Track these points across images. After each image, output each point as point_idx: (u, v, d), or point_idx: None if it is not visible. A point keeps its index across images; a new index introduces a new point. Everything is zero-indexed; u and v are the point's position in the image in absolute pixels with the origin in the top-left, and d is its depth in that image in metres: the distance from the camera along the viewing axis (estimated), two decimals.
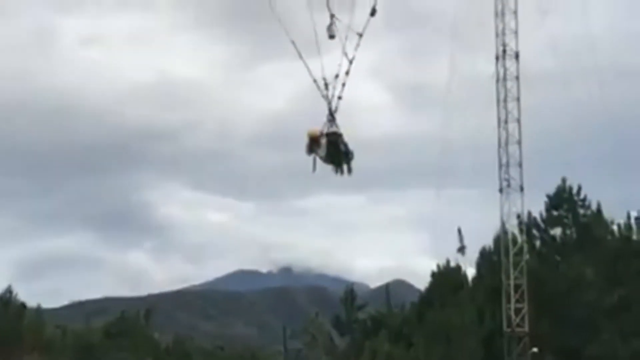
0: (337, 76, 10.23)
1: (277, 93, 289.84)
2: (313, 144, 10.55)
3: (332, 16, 10.43)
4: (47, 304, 63.44)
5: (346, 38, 10.04)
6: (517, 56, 34.71)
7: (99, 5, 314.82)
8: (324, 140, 10.56)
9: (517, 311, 35.14)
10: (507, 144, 34.51)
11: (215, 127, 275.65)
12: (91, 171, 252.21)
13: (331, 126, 10.69)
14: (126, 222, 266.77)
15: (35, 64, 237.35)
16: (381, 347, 38.65)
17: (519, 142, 34.77)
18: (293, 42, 10.08)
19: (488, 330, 36.20)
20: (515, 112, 34.35)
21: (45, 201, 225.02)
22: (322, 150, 10.61)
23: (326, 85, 10.44)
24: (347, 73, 10.27)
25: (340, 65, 10.23)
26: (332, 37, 10.62)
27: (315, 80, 10.42)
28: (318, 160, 10.07)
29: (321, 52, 10.47)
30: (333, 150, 10.63)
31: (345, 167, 10.62)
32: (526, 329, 34.92)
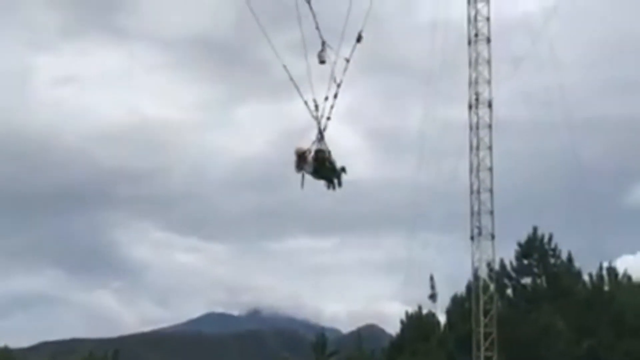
0: (326, 98, 10.74)
1: (251, 136, 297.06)
2: (301, 161, 10.92)
3: (323, 43, 10.99)
4: (14, 344, 61.38)
5: (334, 63, 10.61)
6: (490, 105, 34.82)
7: (72, 45, 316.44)
8: (310, 158, 10.93)
9: (487, 359, 34.41)
10: (479, 191, 34.20)
11: (187, 169, 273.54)
12: (62, 210, 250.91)
13: (320, 145, 11.14)
14: (96, 262, 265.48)
15: (8, 103, 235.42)
16: None
17: (491, 190, 34.36)
18: (285, 67, 10.66)
19: None
20: (487, 161, 34.15)
21: (15, 240, 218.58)
22: (309, 167, 11.02)
23: (316, 106, 10.93)
24: (335, 96, 10.78)
25: (329, 89, 10.80)
26: (322, 62, 11.20)
27: (306, 102, 10.90)
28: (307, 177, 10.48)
29: (311, 77, 10.94)
30: (320, 166, 11.06)
31: (335, 181, 11.08)
32: None
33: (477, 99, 34.81)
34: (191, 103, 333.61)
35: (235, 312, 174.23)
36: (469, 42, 34.74)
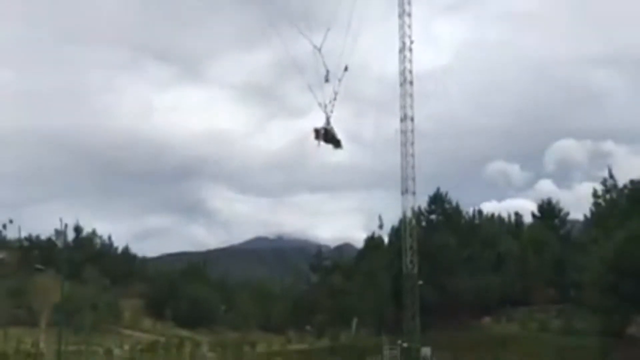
0: (327, 103, 20.36)
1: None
2: (317, 135, 20.88)
3: (327, 71, 20.37)
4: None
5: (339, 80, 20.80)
6: (412, 119, 55.58)
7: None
8: (323, 132, 20.46)
9: (412, 261, 50.56)
10: (407, 166, 54.45)
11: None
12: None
13: (328, 125, 20.77)
14: (193, 212, 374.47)
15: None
16: (337, 281, 61.46)
17: (413, 167, 51.22)
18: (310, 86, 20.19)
19: (395, 271, 54.14)
20: (410, 154, 50.92)
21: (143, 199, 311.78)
22: (322, 138, 20.42)
23: (325, 105, 20.26)
24: (335, 99, 20.11)
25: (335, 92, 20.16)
26: (327, 80, 20.12)
27: (319, 103, 20.04)
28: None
29: (323, 88, 19.82)
30: (329, 137, 21.71)
31: (338, 145, 21.61)
32: (416, 271, 50.28)
33: (405, 116, 52.29)
34: None
35: (271, 237, 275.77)
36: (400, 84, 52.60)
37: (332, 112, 21.10)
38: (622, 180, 56.25)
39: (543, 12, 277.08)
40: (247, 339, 64.88)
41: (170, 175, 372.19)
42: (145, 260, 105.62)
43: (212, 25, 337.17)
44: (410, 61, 53.19)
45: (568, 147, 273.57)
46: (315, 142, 22.18)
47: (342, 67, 21.71)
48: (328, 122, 22.16)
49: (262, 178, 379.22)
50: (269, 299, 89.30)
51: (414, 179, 52.43)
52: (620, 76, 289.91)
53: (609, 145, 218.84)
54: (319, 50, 20.92)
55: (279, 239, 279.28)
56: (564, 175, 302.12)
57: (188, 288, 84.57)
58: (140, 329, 76.12)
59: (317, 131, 22.47)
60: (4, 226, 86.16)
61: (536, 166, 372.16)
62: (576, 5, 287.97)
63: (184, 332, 75.73)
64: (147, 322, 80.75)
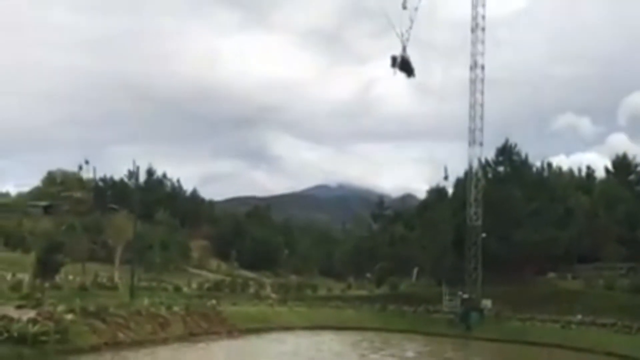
0: (408, 30, 27.55)
1: None
2: (394, 61, 26.88)
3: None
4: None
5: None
6: (482, 68, 53.39)
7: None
8: (400, 59, 27.49)
9: (476, 213, 49.91)
10: (474, 119, 51.62)
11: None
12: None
13: (404, 52, 27.59)
14: (256, 155, 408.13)
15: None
16: (398, 230, 61.83)
17: (482, 117, 50.34)
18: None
19: (458, 222, 53.72)
20: (479, 104, 50.13)
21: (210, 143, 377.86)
22: (398, 65, 26.93)
23: (402, 34, 26.89)
24: (411, 27, 27.07)
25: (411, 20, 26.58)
26: (405, 8, 26.91)
27: (397, 33, 25.79)
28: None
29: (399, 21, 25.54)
30: (405, 65, 28.20)
31: (412, 74, 27.04)
32: (480, 222, 49.69)
33: (475, 64, 50.46)
34: None
35: (333, 185, 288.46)
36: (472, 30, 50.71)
37: (407, 40, 23.46)
38: None
39: None
40: (308, 283, 66.64)
41: (236, 122, 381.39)
42: (212, 204, 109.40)
43: None
44: (484, 5, 50.82)
45: None
46: (392, 69, 23.57)
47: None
48: (404, 50, 24.06)
49: (325, 126, 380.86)
50: (330, 245, 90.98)
51: (481, 130, 51.26)
52: None
53: None
54: None
55: (341, 187, 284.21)
56: (637, 130, 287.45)
57: (252, 230, 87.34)
58: (207, 269, 79.54)
59: (394, 58, 24.81)
60: (80, 167, 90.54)
61: (608, 120, 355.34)
62: None
63: (248, 273, 78.65)
64: (214, 262, 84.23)
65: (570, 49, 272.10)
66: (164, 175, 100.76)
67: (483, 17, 51.01)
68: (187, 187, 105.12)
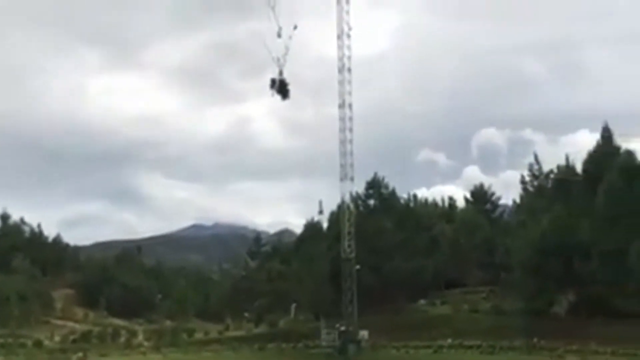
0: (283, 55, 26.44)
1: None
2: (273, 83, 26.26)
3: (279, 27, 25.97)
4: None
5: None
6: (350, 106, 55.48)
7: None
8: (278, 82, 25.62)
9: (349, 246, 51.13)
10: (346, 153, 54.67)
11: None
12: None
13: (281, 76, 26.02)
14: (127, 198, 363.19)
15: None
16: (275, 266, 61.56)
17: (351, 153, 51.64)
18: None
19: (333, 255, 54.14)
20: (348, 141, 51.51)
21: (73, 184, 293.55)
22: (277, 87, 26.03)
23: (278, 59, 25.96)
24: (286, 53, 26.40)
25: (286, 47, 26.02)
26: (279, 36, 25.82)
27: (273, 58, 25.32)
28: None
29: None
30: (282, 87, 26.05)
31: (286, 96, 26.30)
32: (353, 255, 50.94)
33: (344, 102, 51.96)
34: None
35: (208, 224, 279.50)
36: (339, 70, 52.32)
37: (284, 65, 24.53)
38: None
39: (472, 1, 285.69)
40: (183, 327, 64.18)
41: (103, 162, 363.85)
42: (76, 249, 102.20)
43: (147, 8, 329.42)
44: (349, 48, 53.22)
45: (491, 135, 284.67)
46: (270, 91, 24.17)
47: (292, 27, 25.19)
48: (281, 73, 24.39)
49: (198, 164, 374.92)
50: (206, 286, 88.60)
51: (352, 165, 52.94)
52: (541, 65, 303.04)
53: (528, 134, 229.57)
54: (273, 8, 24.07)
55: (217, 225, 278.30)
56: (488, 162, 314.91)
57: (122, 276, 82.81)
58: (72, 319, 73.93)
59: (273, 80, 25.65)
60: None
61: (461, 154, 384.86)
62: None
63: (119, 321, 74.19)
64: (80, 312, 78.59)
65: (426, 87, 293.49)
66: (22, 221, 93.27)
67: (349, 58, 53.38)
68: (50, 232, 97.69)
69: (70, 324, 70.38)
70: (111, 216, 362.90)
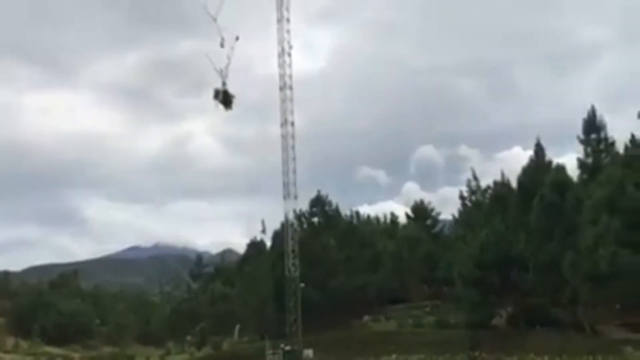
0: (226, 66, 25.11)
1: None
2: (216, 94, 24.71)
3: (222, 38, 24.10)
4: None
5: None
6: (292, 124, 55.26)
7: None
8: (222, 92, 24.39)
9: (294, 264, 50.46)
10: (289, 171, 55.46)
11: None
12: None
13: (224, 86, 23.82)
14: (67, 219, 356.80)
15: None
16: (218, 288, 60.50)
17: (294, 171, 51.32)
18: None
19: (277, 275, 53.88)
20: (292, 159, 51.82)
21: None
22: (220, 97, 24.55)
23: (221, 70, 24.48)
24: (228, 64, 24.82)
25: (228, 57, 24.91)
26: (222, 46, 24.16)
27: (215, 69, 23.68)
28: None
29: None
30: (226, 97, 28.74)
31: (229, 106, 25.38)
32: (297, 274, 50.36)
33: (286, 121, 52.18)
34: None
35: (148, 245, 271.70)
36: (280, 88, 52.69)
37: (226, 76, 24.52)
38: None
39: (408, 22, 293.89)
40: (123, 353, 62.04)
41: (39, 182, 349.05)
42: (7, 274, 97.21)
43: (82, 26, 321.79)
44: (290, 66, 53.23)
45: (428, 152, 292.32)
46: (214, 101, 23.86)
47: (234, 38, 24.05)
48: (224, 84, 24.28)
49: (137, 184, 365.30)
50: (146, 309, 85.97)
51: (295, 183, 52.65)
52: (475, 84, 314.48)
53: (464, 150, 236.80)
54: (215, 19, 23.31)
55: (156, 247, 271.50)
56: (426, 179, 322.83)
57: (57, 301, 79.23)
58: (2, 350, 70.14)
59: (217, 91, 25.40)
60: None
61: (400, 171, 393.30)
62: (437, 16, 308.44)
63: (55, 349, 70.88)
64: (10, 341, 74.65)
65: (365, 105, 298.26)
66: None
67: (290, 76, 53.44)
68: None
69: (0, 354, 66.79)
70: (46, 239, 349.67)
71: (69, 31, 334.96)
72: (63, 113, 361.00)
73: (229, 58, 25.42)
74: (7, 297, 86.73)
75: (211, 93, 26.51)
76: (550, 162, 53.35)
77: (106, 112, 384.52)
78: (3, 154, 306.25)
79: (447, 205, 75.95)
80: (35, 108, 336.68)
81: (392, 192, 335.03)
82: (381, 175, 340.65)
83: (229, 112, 27.64)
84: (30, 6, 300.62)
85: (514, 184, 55.24)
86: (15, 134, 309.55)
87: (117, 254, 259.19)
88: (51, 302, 79.98)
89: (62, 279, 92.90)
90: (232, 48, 25.66)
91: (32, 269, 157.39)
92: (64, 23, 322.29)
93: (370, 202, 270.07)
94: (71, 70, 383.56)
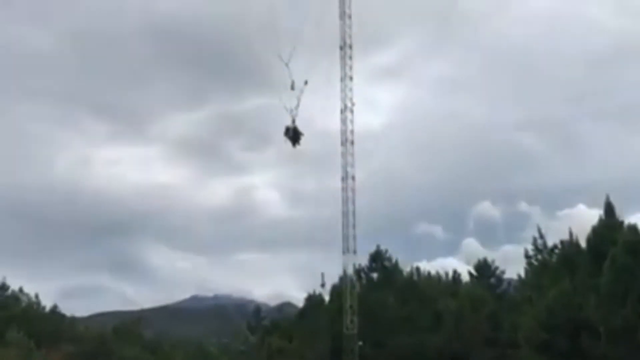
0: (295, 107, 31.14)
1: None
2: (287, 131, 32.16)
3: (292, 81, 32.23)
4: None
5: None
6: (353, 178, 55.66)
7: None
8: (292, 129, 31.20)
9: (352, 321, 50.94)
10: (348, 225, 55.94)
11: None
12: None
13: (294, 124, 32.30)
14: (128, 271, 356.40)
15: None
16: (275, 342, 60.23)
17: (354, 226, 52.49)
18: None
19: (335, 330, 53.47)
20: (351, 214, 52.82)
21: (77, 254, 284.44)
22: (290, 134, 31.23)
23: (292, 110, 31.94)
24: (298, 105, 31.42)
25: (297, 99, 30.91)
26: (292, 89, 32.52)
27: (286, 108, 31.41)
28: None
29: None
30: (295, 134, 30.89)
31: (297, 142, 31.87)
32: (356, 331, 50.87)
33: (346, 174, 53.03)
34: None
35: (208, 295, 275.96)
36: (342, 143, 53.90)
37: (296, 115, 28.76)
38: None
39: (471, 78, 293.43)
40: None
41: (104, 232, 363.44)
42: (73, 320, 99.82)
43: (153, 83, 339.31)
44: (352, 122, 54.18)
45: (487, 209, 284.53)
46: (284, 137, 28.26)
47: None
48: (294, 121, 28.53)
49: (199, 235, 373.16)
50: None
51: (354, 237, 53.41)
52: (540, 141, 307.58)
53: (524, 207, 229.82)
54: (287, 64, 28.06)
55: (216, 297, 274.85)
56: (485, 235, 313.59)
57: (119, 348, 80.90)
58: None
59: (287, 128, 26.84)
60: None
61: (459, 227, 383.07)
62: (502, 73, 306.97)
63: None
64: None
65: (425, 160, 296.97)
66: (21, 290, 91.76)
67: (352, 131, 54.36)
68: (47, 303, 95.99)
69: None
70: (111, 287, 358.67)
71: (140, 87, 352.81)
72: (132, 165, 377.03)
73: (298, 99, 29.45)
74: (72, 342, 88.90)
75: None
76: (622, 222, 51.11)
77: (174, 165, 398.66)
78: (75, 204, 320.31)
79: (508, 263, 73.02)
80: (109, 160, 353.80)
81: (451, 248, 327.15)
82: (439, 231, 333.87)
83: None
84: (109, 64, 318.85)
85: (581, 243, 53.13)
86: (90, 184, 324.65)
87: (178, 303, 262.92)
88: (113, 349, 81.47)
89: (124, 326, 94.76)
90: (302, 91, 29.72)
91: (97, 315, 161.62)
92: (136, 80, 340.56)
93: (429, 258, 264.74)
94: (142, 124, 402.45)
